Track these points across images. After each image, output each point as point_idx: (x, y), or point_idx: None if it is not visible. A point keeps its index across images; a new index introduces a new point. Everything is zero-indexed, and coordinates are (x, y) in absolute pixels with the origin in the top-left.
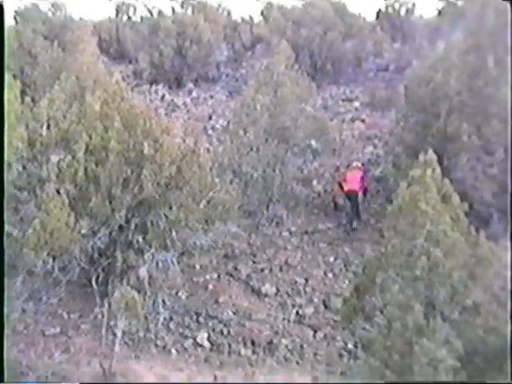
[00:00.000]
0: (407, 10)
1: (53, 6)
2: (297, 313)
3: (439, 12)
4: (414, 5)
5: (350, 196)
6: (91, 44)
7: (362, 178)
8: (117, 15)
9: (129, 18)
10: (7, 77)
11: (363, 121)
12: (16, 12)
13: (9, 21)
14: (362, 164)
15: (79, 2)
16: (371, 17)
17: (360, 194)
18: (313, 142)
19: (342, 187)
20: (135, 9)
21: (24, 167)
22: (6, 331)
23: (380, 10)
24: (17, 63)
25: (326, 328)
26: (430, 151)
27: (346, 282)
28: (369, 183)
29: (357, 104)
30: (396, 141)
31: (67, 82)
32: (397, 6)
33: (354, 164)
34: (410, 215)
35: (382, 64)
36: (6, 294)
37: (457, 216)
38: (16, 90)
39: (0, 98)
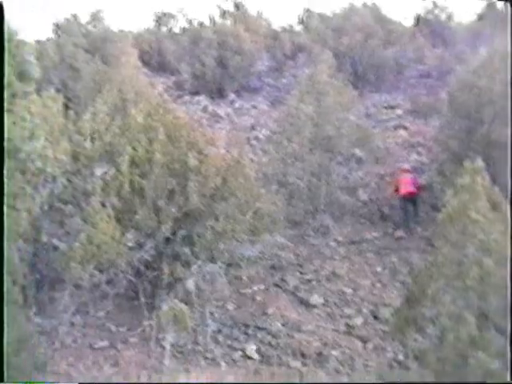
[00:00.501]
0: (447, 16)
1: (92, 18)
2: (346, 324)
3: (479, 16)
4: (453, 10)
5: (408, 198)
6: (132, 56)
7: (415, 179)
8: (157, 27)
9: (169, 29)
10: (50, 91)
11: (406, 128)
12: (56, 25)
13: (49, 34)
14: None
15: (118, 13)
16: (410, 22)
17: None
18: (357, 151)
19: (397, 191)
20: (175, 20)
21: (69, 181)
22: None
23: (419, 15)
24: (59, 77)
25: (376, 339)
26: (479, 158)
27: (395, 291)
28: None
29: (399, 111)
30: (440, 148)
31: (110, 94)
32: (436, 11)
33: (403, 167)
34: (460, 224)
35: (423, 70)
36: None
37: (507, 224)
38: (59, 104)
39: (0, 98)
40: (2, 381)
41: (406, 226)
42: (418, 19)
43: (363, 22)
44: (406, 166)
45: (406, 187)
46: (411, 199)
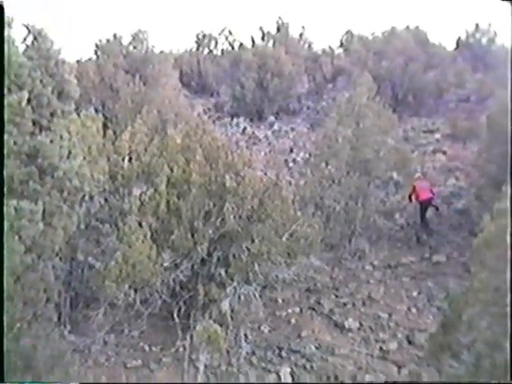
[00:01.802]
0: (489, 39)
1: (134, 39)
2: (380, 348)
3: None
4: (495, 33)
5: (425, 204)
6: (173, 77)
7: (430, 184)
8: (198, 48)
9: (210, 51)
10: (89, 111)
11: (444, 152)
12: (97, 46)
13: (89, 54)
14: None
15: (160, 34)
16: (451, 46)
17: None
18: (394, 175)
19: (411, 199)
20: (216, 42)
21: (106, 200)
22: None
23: (460, 38)
24: (98, 97)
25: (411, 364)
26: None
27: (430, 317)
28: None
29: (438, 135)
30: (478, 173)
31: (149, 115)
32: (478, 35)
33: (417, 175)
34: (497, 249)
35: (463, 95)
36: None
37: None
38: (98, 124)
39: (0, 99)
40: (2, 381)
41: (427, 228)
42: (458, 42)
43: (404, 46)
44: (418, 174)
45: (424, 194)
46: (427, 204)
